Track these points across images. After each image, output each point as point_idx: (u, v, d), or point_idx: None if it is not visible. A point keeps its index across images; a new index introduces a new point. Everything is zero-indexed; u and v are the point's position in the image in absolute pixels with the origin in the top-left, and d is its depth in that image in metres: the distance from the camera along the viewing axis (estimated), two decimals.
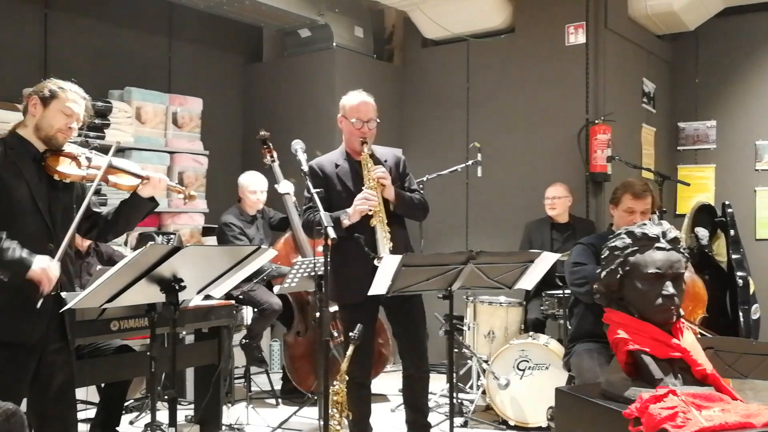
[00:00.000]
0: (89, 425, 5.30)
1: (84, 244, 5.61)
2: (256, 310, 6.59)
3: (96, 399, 5.58)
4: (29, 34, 6.92)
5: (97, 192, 5.70)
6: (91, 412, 5.41)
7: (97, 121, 6.44)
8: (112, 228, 3.99)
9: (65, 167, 3.71)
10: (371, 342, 4.86)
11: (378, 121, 4.77)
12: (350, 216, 4.52)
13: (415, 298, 4.75)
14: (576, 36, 7.80)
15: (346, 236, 4.51)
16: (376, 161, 4.73)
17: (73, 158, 3.76)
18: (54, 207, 3.69)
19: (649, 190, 4.65)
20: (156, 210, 6.98)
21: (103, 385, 5.49)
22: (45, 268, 3.48)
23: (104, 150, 3.96)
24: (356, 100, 4.73)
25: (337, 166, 4.78)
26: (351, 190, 4.66)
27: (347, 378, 4.75)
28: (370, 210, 4.49)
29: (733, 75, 8.95)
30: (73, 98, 3.73)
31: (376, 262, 4.34)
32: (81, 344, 4.53)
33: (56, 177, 3.69)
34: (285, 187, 6.49)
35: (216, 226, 7.03)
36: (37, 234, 3.59)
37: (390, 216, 4.59)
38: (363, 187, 4.58)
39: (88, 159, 3.80)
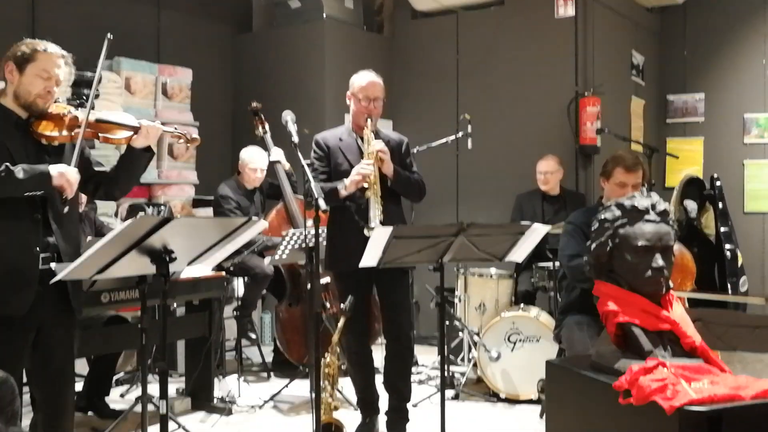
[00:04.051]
0: (76, 397, 5.30)
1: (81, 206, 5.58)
2: (247, 278, 6.58)
3: (83, 371, 5.59)
4: (17, 4, 6.85)
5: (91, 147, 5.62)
6: (79, 385, 5.41)
7: (86, 91, 6.39)
8: (116, 185, 3.90)
9: (51, 130, 3.60)
10: (366, 311, 4.96)
11: (384, 101, 4.92)
12: (346, 187, 4.64)
13: (404, 274, 4.84)
14: (565, 8, 7.78)
15: (341, 206, 4.67)
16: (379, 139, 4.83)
17: (59, 119, 3.65)
18: None
19: (641, 163, 4.65)
20: (146, 181, 7.07)
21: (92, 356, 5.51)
22: (62, 172, 3.47)
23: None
24: (365, 80, 4.86)
25: (341, 140, 4.91)
26: (352, 165, 4.75)
27: (346, 350, 4.80)
28: (365, 182, 4.59)
29: (721, 48, 8.94)
30: (50, 59, 3.59)
31: (366, 232, 4.45)
32: None
33: (44, 141, 3.61)
34: (276, 154, 6.45)
35: (206, 197, 7.03)
36: (23, 203, 3.48)
37: (386, 191, 4.69)
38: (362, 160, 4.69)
39: (75, 117, 3.67)
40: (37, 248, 3.50)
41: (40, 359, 3.67)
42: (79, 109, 3.76)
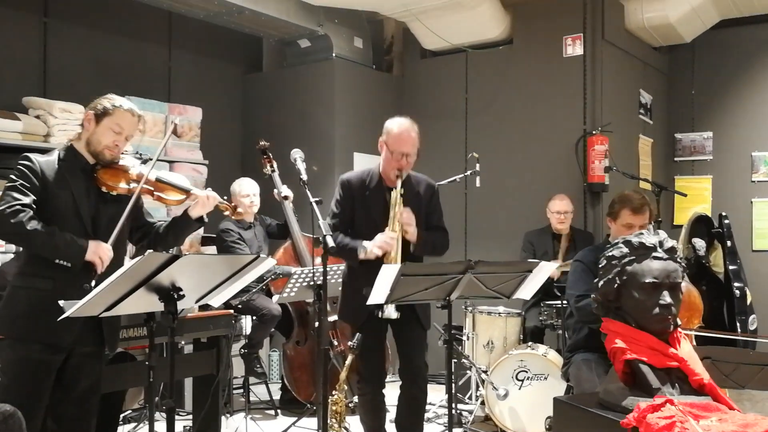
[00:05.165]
0: None
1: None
2: (255, 317, 6.57)
3: None
4: (29, 44, 6.92)
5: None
6: None
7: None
8: (162, 241, 4.12)
9: (113, 180, 3.84)
10: (380, 354, 4.79)
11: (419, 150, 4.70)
12: (367, 253, 4.49)
13: (419, 320, 4.74)
14: (573, 47, 7.83)
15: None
16: (410, 187, 4.69)
17: (123, 171, 3.89)
18: (100, 217, 3.83)
19: (647, 203, 4.63)
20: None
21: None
22: (96, 250, 3.68)
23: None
24: (399, 132, 4.60)
25: (367, 188, 4.71)
26: (373, 216, 4.63)
27: (359, 394, 4.74)
28: (386, 257, 4.45)
29: (729, 86, 8.99)
30: (125, 116, 3.84)
31: (379, 314, 4.36)
32: None
33: (104, 189, 3.84)
34: (285, 192, 6.48)
35: (214, 235, 7.04)
36: None
37: (407, 253, 4.56)
38: (387, 228, 4.52)
39: (140, 174, 3.90)
40: (86, 285, 3.65)
41: (65, 385, 3.80)
42: (143, 165, 4.02)
